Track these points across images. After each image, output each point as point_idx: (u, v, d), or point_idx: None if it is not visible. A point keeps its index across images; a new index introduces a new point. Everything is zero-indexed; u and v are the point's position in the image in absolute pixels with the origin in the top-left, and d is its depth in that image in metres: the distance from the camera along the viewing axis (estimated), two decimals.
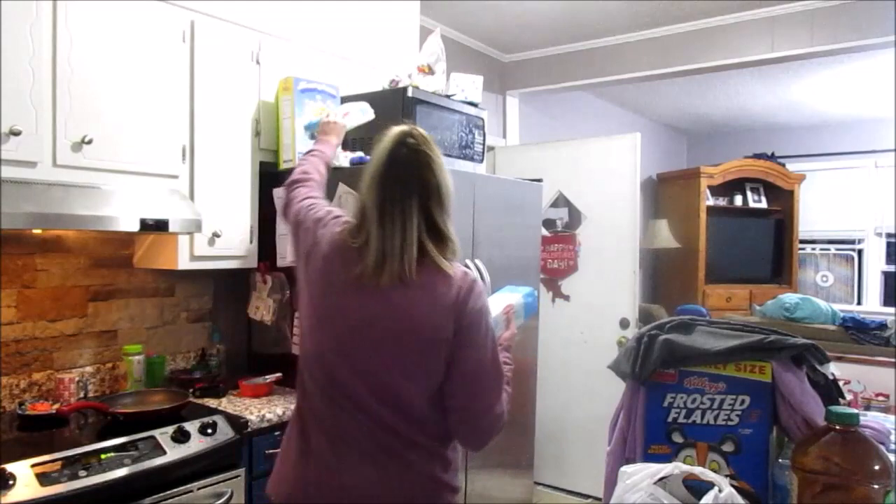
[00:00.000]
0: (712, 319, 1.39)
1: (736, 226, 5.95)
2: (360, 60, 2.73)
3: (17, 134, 1.71)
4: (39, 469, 1.56)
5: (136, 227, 1.88)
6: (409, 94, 2.30)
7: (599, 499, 2.95)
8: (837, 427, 0.96)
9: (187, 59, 2.14)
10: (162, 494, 1.74)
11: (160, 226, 1.94)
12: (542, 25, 3.82)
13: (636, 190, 3.71)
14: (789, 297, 3.44)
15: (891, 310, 4.59)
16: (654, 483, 0.96)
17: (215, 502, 1.85)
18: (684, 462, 1.16)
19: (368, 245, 1.31)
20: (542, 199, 3.15)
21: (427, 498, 1.35)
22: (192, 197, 2.16)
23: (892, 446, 1.22)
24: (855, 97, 5.25)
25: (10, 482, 1.48)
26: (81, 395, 2.18)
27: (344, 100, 2.47)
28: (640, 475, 0.97)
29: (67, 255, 2.20)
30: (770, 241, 5.99)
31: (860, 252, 6.26)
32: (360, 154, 2.25)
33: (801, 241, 6.13)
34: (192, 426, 1.88)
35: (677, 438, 1.21)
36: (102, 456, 1.68)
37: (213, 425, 1.91)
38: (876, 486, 0.92)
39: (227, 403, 2.17)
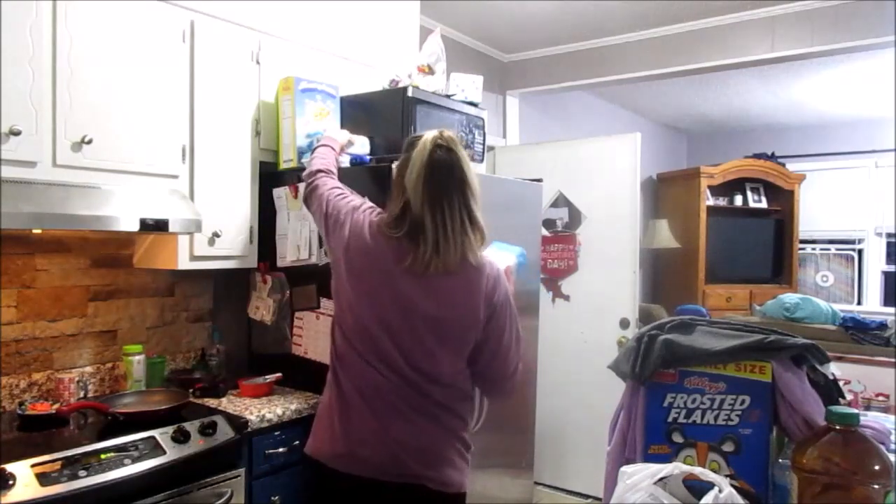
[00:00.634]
0: (712, 319, 1.39)
1: (736, 226, 5.95)
2: (360, 60, 2.73)
3: (16, 134, 1.71)
4: (39, 469, 1.55)
5: (136, 227, 1.88)
6: (409, 94, 2.30)
7: (599, 499, 2.95)
8: (837, 427, 0.96)
9: (187, 59, 2.14)
10: (162, 494, 1.74)
11: (160, 226, 1.94)
12: (542, 25, 3.82)
13: (636, 190, 3.71)
14: (789, 297, 3.44)
15: (891, 310, 4.59)
16: (654, 483, 0.96)
17: (215, 502, 1.85)
18: (684, 462, 1.16)
19: (422, 236, 1.50)
20: (542, 199, 3.15)
21: (449, 446, 1.59)
22: (192, 197, 2.16)
23: (892, 446, 1.21)
24: (855, 97, 5.25)
25: (10, 482, 1.48)
26: (81, 395, 2.18)
27: (344, 100, 2.47)
28: (640, 475, 0.97)
29: (67, 255, 2.20)
30: (770, 241, 5.99)
31: (860, 252, 6.26)
32: (358, 154, 2.25)
33: (801, 241, 6.14)
34: (192, 426, 1.88)
35: (677, 438, 1.21)
36: (102, 456, 1.67)
37: (213, 425, 1.91)
38: (876, 486, 0.92)
39: (227, 403, 2.17)
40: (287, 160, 2.34)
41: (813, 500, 0.95)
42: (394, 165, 1.72)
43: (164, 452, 1.77)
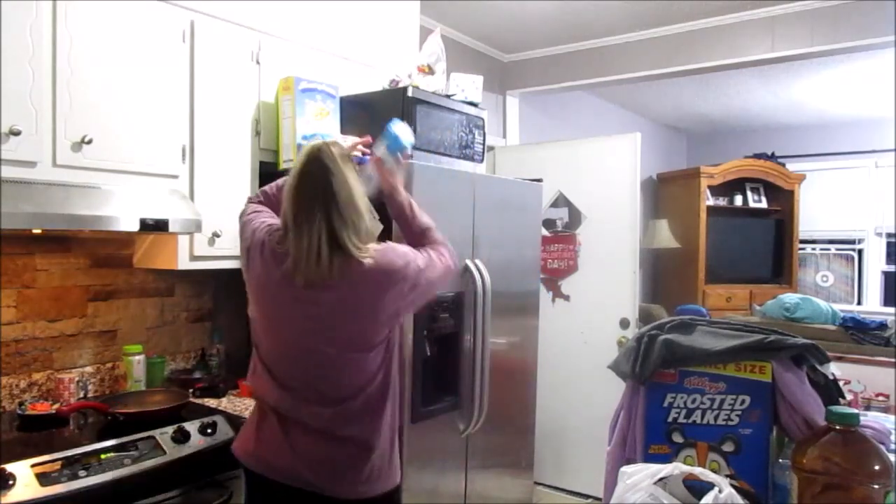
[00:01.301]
0: (712, 319, 1.39)
1: (736, 226, 5.95)
2: (360, 60, 2.72)
3: (16, 134, 1.71)
4: (39, 469, 1.55)
5: (135, 227, 1.88)
6: (409, 94, 2.30)
7: (599, 499, 2.95)
8: (837, 427, 0.96)
9: (187, 59, 2.14)
10: (162, 494, 1.74)
11: (160, 226, 1.94)
12: (542, 25, 3.82)
13: (636, 190, 3.71)
14: (789, 297, 3.44)
15: (891, 310, 4.59)
16: (654, 483, 0.96)
17: (215, 502, 1.85)
18: (684, 462, 1.16)
19: (290, 250, 1.49)
20: (542, 199, 3.15)
21: (357, 459, 1.57)
22: (192, 197, 2.16)
23: (892, 446, 1.22)
24: (855, 97, 5.25)
25: (10, 482, 1.48)
26: (81, 395, 2.18)
27: (344, 100, 2.47)
28: (640, 475, 0.97)
29: (67, 255, 2.20)
30: (770, 241, 5.99)
31: (860, 252, 6.26)
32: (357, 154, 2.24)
33: (802, 241, 6.14)
34: (192, 426, 1.88)
35: (677, 438, 1.21)
36: (102, 456, 1.67)
37: (213, 425, 1.91)
38: (876, 486, 0.92)
39: (227, 403, 2.17)
40: (287, 160, 2.34)
41: (813, 500, 0.95)
42: None
43: (165, 452, 1.77)
